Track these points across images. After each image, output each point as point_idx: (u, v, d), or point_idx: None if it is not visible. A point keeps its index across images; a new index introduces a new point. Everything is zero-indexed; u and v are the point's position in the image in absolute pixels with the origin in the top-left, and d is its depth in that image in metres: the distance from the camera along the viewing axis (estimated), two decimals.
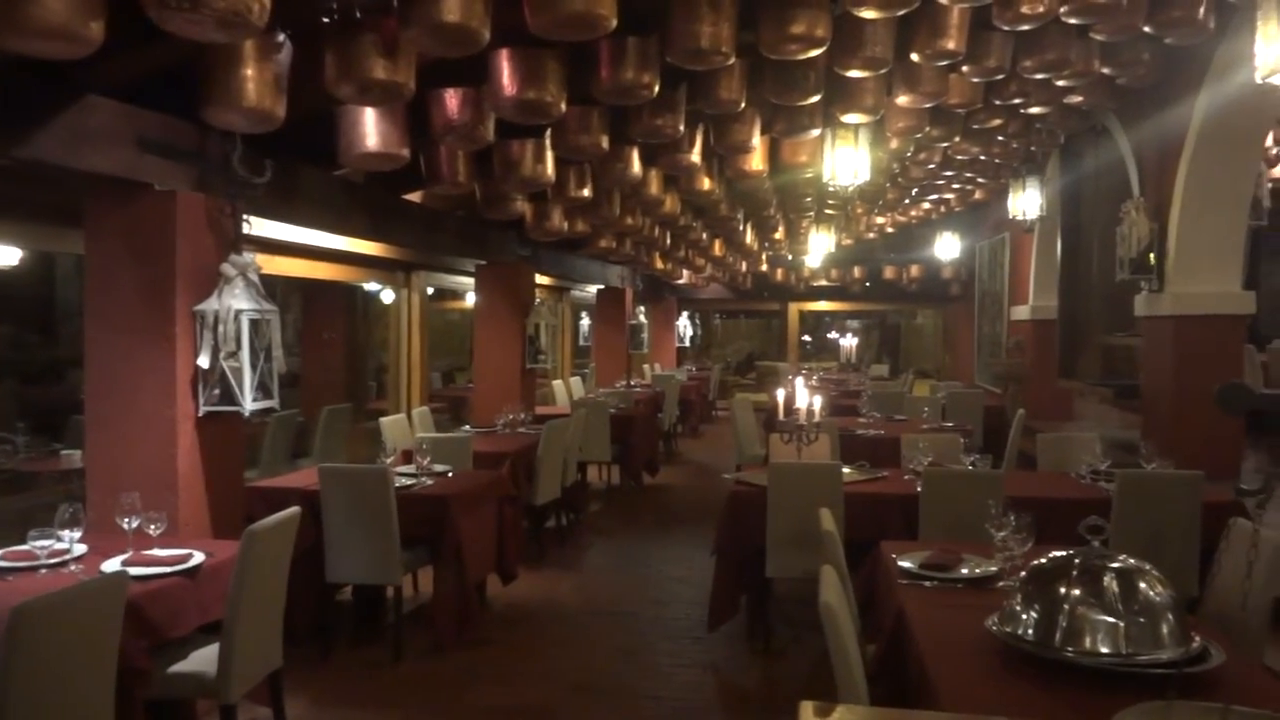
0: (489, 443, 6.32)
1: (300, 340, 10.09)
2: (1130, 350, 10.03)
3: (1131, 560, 2.30)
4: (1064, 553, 2.37)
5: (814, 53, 3.77)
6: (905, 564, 3.12)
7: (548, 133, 4.61)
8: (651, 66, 3.72)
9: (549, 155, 4.65)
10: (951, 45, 4.23)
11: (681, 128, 4.57)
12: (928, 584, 2.97)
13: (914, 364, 17.47)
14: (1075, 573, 2.26)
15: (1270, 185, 8.44)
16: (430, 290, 8.83)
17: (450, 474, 5.05)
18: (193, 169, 3.67)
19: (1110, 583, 2.22)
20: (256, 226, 4.05)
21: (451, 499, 4.54)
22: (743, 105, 4.43)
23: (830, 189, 7.85)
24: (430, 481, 4.81)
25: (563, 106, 3.69)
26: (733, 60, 3.69)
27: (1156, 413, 7.21)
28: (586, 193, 5.52)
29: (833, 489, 4.38)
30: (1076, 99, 6.37)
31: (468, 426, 7.24)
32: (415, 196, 6.07)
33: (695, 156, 5.32)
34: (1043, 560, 2.41)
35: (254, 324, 3.70)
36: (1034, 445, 6.38)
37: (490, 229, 7.38)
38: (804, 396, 4.93)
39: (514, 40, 3.47)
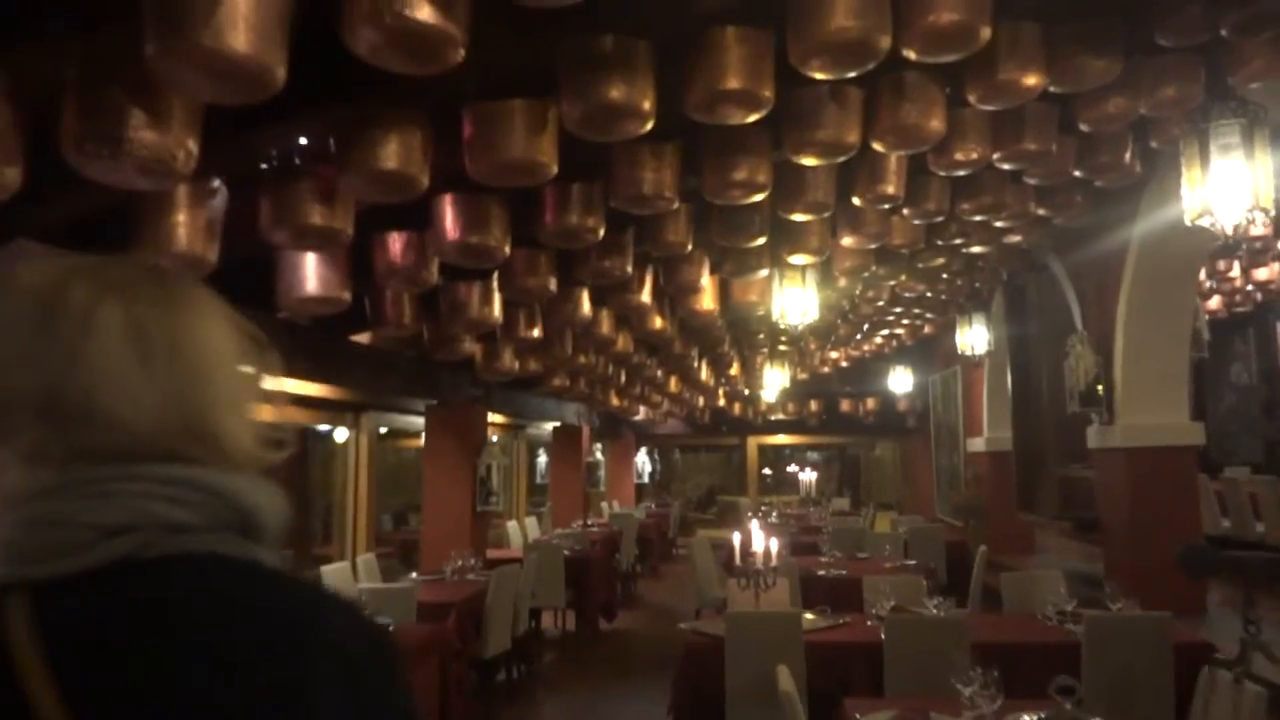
0: (435, 591, 6.03)
1: None
2: (1087, 482, 10.04)
3: None
4: (1030, 716, 2.22)
5: (756, 198, 3.82)
6: None
7: (494, 274, 4.59)
8: (596, 210, 3.74)
9: (496, 297, 4.61)
10: (891, 190, 4.33)
11: (630, 269, 4.58)
12: None
13: (875, 496, 17.36)
14: None
15: (1207, 318, 8.69)
16: (382, 430, 8.64)
17: (391, 628, 4.76)
18: None
19: None
20: None
21: None
22: (690, 247, 4.46)
23: (780, 327, 7.94)
24: None
25: (507, 250, 3.67)
26: (676, 205, 3.72)
27: (1116, 545, 7.14)
28: (536, 333, 5.48)
29: (792, 638, 4.18)
30: (1015, 238, 6.55)
31: (414, 575, 6.93)
32: (363, 337, 5.98)
33: (645, 297, 5.33)
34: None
35: None
36: (998, 581, 6.24)
37: (441, 369, 7.28)
38: (760, 539, 4.78)
39: (457, 184, 3.48)
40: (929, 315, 9.80)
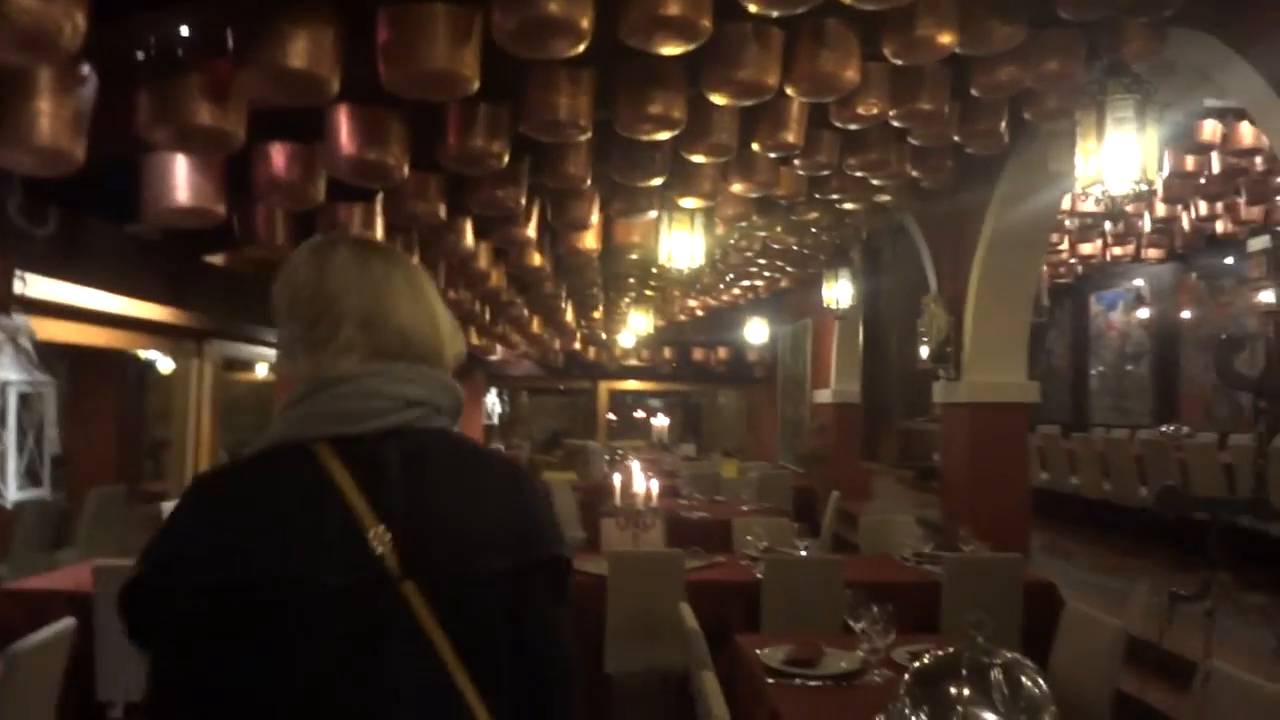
0: None
1: (65, 412, 8.92)
2: (926, 434, 10.69)
3: (1012, 655, 2.27)
4: (942, 650, 2.31)
5: (668, 134, 3.74)
6: (770, 662, 2.99)
7: (379, 197, 4.32)
8: (502, 135, 3.56)
9: (378, 221, 4.34)
10: (791, 138, 4.34)
11: (524, 200, 4.41)
12: (797, 681, 2.85)
13: (716, 444, 17.86)
14: (964, 671, 2.20)
15: (1048, 285, 9.33)
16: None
17: None
18: None
19: (998, 681, 2.17)
20: (31, 284, 3.49)
21: None
22: (589, 182, 4.34)
23: (655, 271, 7.92)
24: None
25: (405, 170, 3.44)
26: (587, 136, 3.59)
27: (955, 492, 7.62)
28: (414, 262, 5.22)
29: (675, 578, 4.23)
30: (885, 198, 6.76)
31: None
32: (216, 259, 5.53)
33: (531, 231, 5.17)
34: (924, 659, 2.34)
35: (23, 398, 3.14)
36: (847, 527, 6.56)
37: None
38: (640, 480, 4.79)
39: (354, 98, 3.22)
40: (789, 269, 10.03)
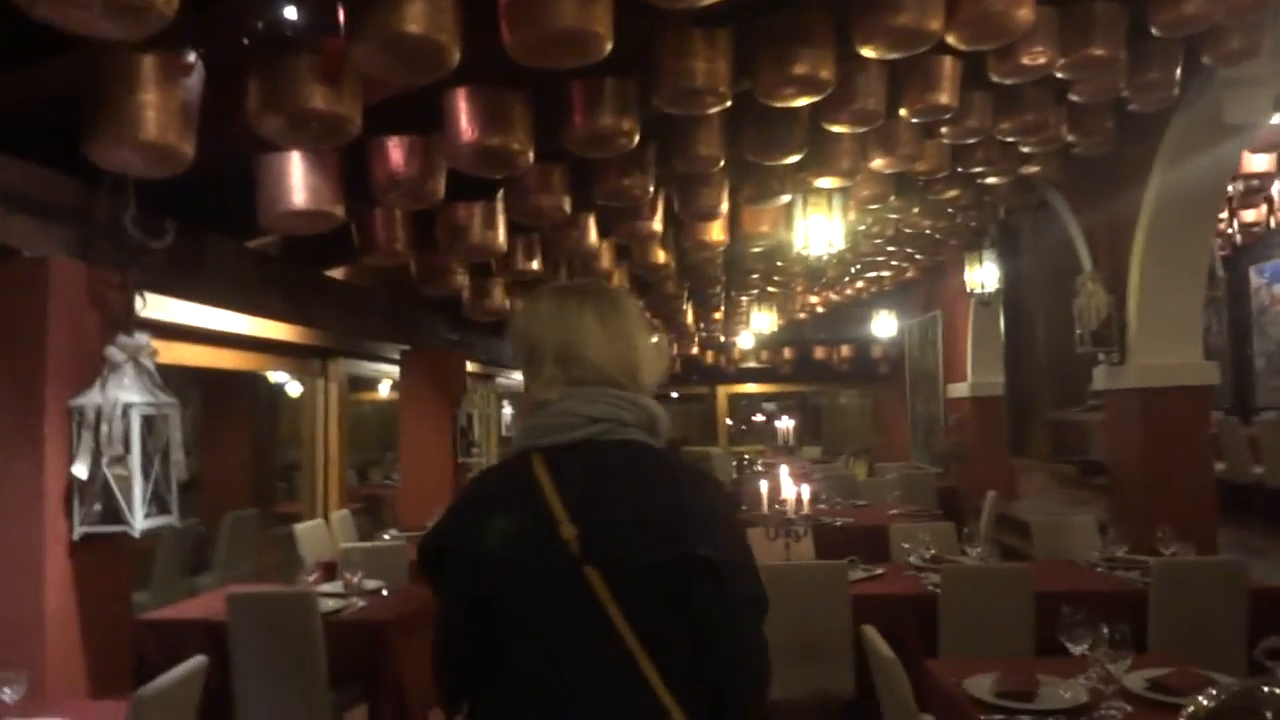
0: None
1: (198, 438, 9.09)
2: (1079, 426, 9.88)
3: None
4: (1228, 685, 1.85)
5: (814, 98, 3.35)
6: (979, 694, 2.54)
7: (499, 195, 4.06)
8: (631, 111, 3.24)
9: (500, 220, 4.09)
10: (945, 99, 3.90)
11: (651, 189, 4.09)
12: (1021, 719, 2.40)
13: (840, 445, 17.21)
14: (1269, 715, 1.73)
15: (1220, 255, 8.48)
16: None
17: (385, 592, 4.30)
18: (72, 230, 2.98)
19: None
20: (151, 305, 3.35)
21: (390, 624, 3.79)
22: (722, 163, 3.98)
23: (780, 264, 7.51)
24: (362, 603, 4.05)
25: (530, 157, 3.15)
26: (727, 104, 3.23)
27: (1125, 488, 6.92)
28: (535, 265, 4.97)
29: (838, 593, 3.81)
30: (1033, 169, 6.18)
31: (393, 531, 6.43)
32: (336, 272, 5.41)
33: (656, 224, 4.84)
34: (1204, 699, 1.87)
35: (147, 421, 2.98)
36: (1003, 530, 5.98)
37: (419, 311, 6.73)
38: (790, 486, 4.39)
39: (473, 80, 2.95)
40: (918, 257, 9.43)
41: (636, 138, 3.30)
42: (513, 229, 4.20)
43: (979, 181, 6.18)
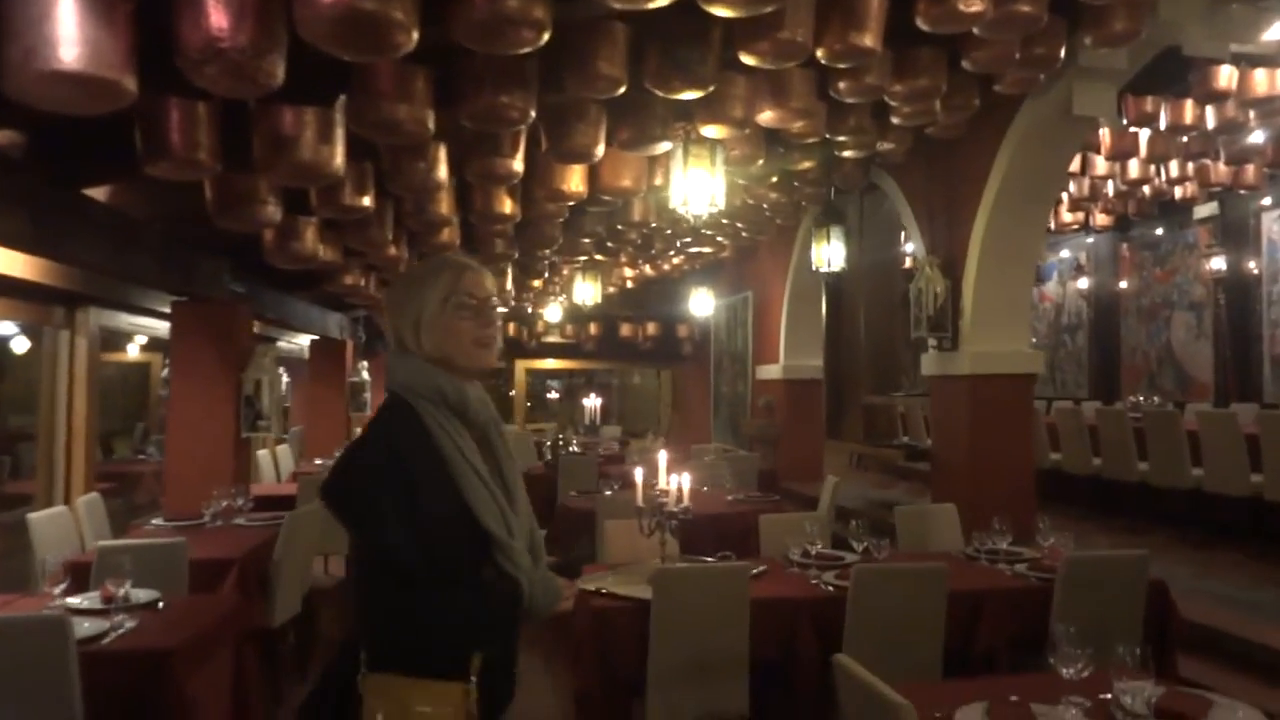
0: (201, 543, 4.51)
1: None
2: (891, 411, 10.07)
3: None
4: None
5: (746, 10, 2.77)
6: None
7: (339, 101, 3.19)
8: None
9: (339, 134, 3.22)
10: (868, 41, 3.47)
11: (532, 113, 3.36)
12: None
13: (635, 425, 16.97)
14: None
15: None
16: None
17: (161, 604, 3.32)
18: None
19: None
20: None
21: (176, 654, 2.86)
22: (622, 89, 3.31)
23: (620, 229, 6.92)
24: (132, 622, 3.06)
25: (412, 39, 2.36)
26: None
27: (949, 474, 6.95)
28: (367, 201, 4.09)
29: (738, 600, 3.30)
30: (888, 145, 5.96)
31: (158, 520, 5.28)
32: (97, 194, 4.25)
33: (518, 163, 4.11)
34: None
35: None
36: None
37: (198, 254, 5.57)
38: (664, 474, 3.83)
39: None
40: (744, 233, 9.15)
41: (546, 35, 2.59)
42: (357, 147, 3.33)
43: (837, 153, 5.88)
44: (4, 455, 8.41)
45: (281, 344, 11.03)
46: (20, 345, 7.58)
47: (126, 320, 6.60)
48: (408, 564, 1.60)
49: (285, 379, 12.75)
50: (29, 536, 4.48)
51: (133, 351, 11.83)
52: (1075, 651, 2.27)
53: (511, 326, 14.20)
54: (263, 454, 9.14)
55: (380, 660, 1.60)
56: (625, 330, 14.35)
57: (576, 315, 13.76)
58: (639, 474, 3.83)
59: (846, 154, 5.92)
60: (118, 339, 11.60)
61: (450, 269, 1.81)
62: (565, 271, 9.22)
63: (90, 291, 5.30)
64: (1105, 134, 7.71)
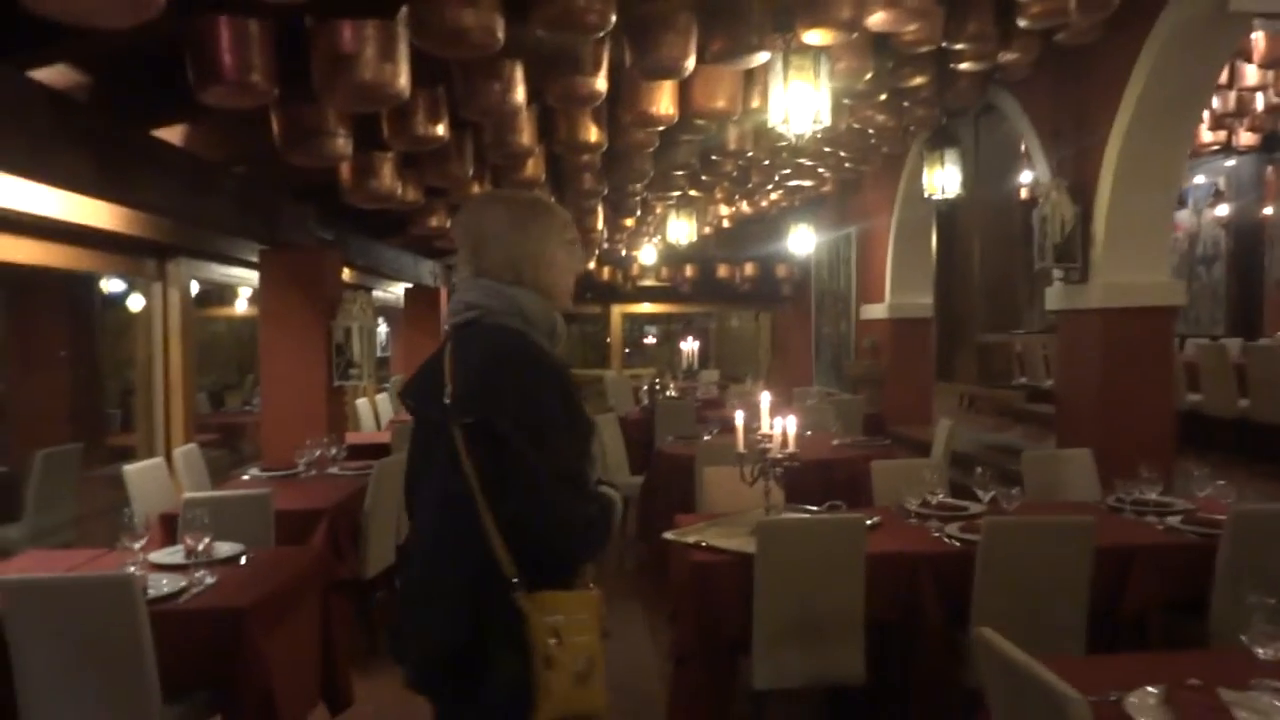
0: (292, 494, 4.44)
1: (5, 355, 7.44)
2: (1008, 350, 9.45)
3: None
4: None
5: None
6: None
7: (400, 14, 2.90)
8: None
9: (403, 49, 2.94)
10: None
11: (612, 18, 3.01)
12: None
13: (733, 369, 16.61)
14: None
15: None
16: (194, 287, 6.66)
17: (243, 559, 3.20)
18: None
19: None
20: None
21: (251, 611, 2.71)
22: None
23: (715, 159, 6.52)
24: (211, 579, 2.93)
25: None
26: None
27: (1076, 418, 6.40)
28: (441, 130, 3.83)
29: (853, 557, 2.97)
30: (1011, 56, 5.35)
31: (254, 470, 5.25)
32: (171, 136, 4.10)
33: (601, 82, 3.77)
34: None
35: None
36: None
37: (281, 199, 5.44)
38: (769, 417, 3.50)
39: None
40: (847, 164, 8.59)
41: None
42: (420, 61, 3.05)
43: (953, 65, 5.33)
44: (115, 410, 8.66)
45: (377, 293, 11.05)
46: (136, 303, 7.70)
47: (221, 272, 6.58)
48: (576, 474, 1.77)
49: (384, 328, 12.89)
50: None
51: (240, 306, 12.08)
52: (1273, 628, 1.87)
53: (606, 270, 13.93)
54: (362, 403, 9.18)
55: (539, 578, 1.70)
56: (722, 271, 13.91)
57: (672, 257, 13.39)
58: (740, 417, 3.51)
59: (964, 66, 5.35)
60: (226, 294, 11.84)
61: (552, 209, 1.97)
62: (659, 210, 8.85)
63: (178, 242, 5.23)
64: (1259, 37, 6.88)
